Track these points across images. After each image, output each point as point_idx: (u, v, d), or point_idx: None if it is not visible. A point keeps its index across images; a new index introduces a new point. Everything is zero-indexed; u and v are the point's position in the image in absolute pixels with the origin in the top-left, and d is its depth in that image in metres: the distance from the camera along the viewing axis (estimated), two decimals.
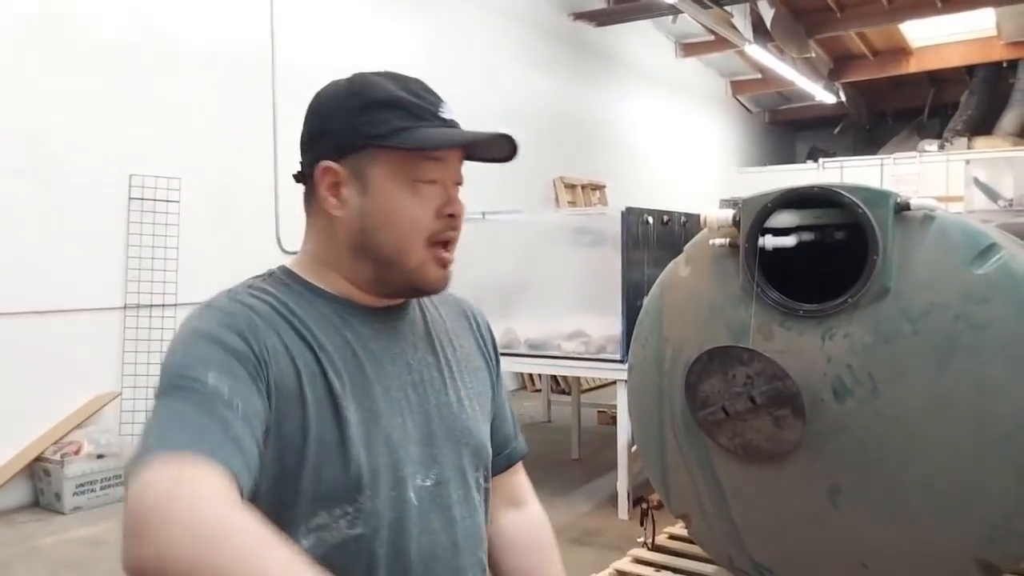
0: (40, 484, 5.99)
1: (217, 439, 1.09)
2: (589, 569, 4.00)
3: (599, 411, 8.38)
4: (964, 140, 15.87)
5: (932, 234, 2.83)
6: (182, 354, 1.19)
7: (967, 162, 12.85)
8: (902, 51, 16.00)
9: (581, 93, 12.42)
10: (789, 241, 3.02)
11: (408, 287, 1.38)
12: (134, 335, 6.58)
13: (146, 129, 6.67)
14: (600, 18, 12.38)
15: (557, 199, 11.54)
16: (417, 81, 1.35)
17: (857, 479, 2.90)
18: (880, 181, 14.20)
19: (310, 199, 1.37)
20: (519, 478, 1.72)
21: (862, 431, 2.87)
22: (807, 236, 3.08)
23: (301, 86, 1.32)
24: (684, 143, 15.73)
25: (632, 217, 5.75)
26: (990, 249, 2.78)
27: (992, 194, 10.32)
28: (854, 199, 2.88)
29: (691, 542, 3.77)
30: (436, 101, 1.34)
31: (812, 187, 3.04)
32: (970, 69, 16.60)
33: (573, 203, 11.67)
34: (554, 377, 8.95)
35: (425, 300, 1.50)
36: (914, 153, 15.46)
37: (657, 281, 3.54)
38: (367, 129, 1.29)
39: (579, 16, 12.20)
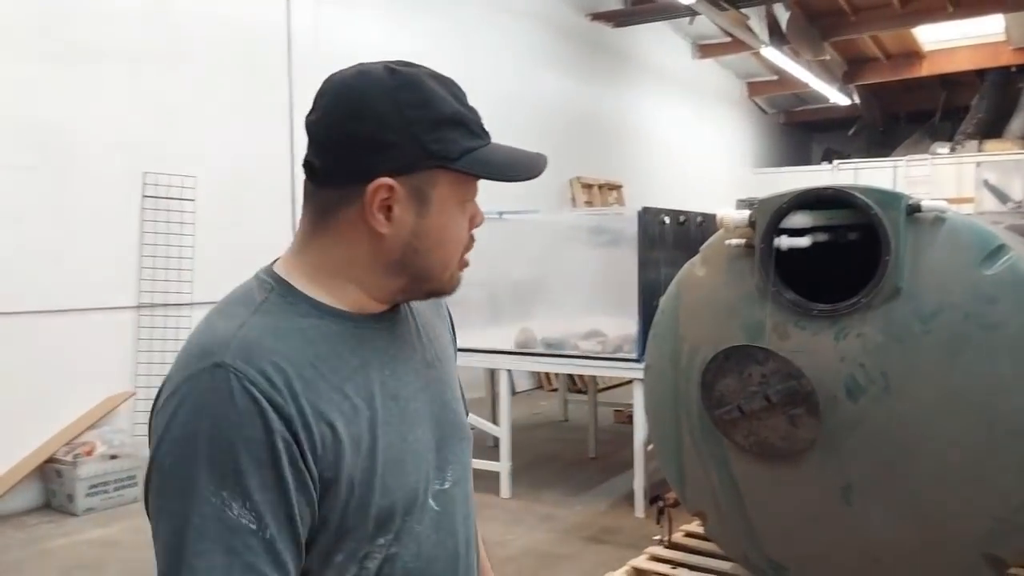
0: (52, 486, 5.95)
1: None
2: (606, 567, 4.06)
3: (615, 410, 8.42)
4: (975, 143, 15.85)
5: (943, 235, 2.89)
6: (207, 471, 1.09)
7: (977, 164, 12.88)
8: (915, 54, 16.01)
9: (598, 93, 12.48)
10: (804, 242, 3.08)
11: (429, 295, 1.34)
12: (148, 334, 6.55)
13: (160, 127, 6.67)
14: (617, 19, 12.43)
15: (574, 199, 11.59)
16: (457, 85, 1.27)
17: (870, 477, 2.96)
18: (893, 183, 14.23)
19: (339, 206, 1.22)
20: None
21: (875, 429, 2.92)
22: (821, 237, 3.13)
23: (318, 80, 1.27)
24: (700, 143, 15.77)
25: (648, 217, 5.79)
26: (999, 250, 2.84)
27: (1002, 196, 10.37)
28: (867, 200, 2.94)
29: (707, 540, 3.81)
30: (476, 111, 1.27)
31: (826, 188, 3.10)
32: (981, 73, 16.58)
33: (590, 203, 11.71)
34: (571, 376, 9.00)
35: None
36: (926, 155, 15.48)
37: (673, 281, 3.60)
38: (437, 149, 1.19)
39: (596, 17, 12.26)
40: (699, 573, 3.72)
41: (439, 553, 1.31)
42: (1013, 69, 15.98)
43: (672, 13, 12.02)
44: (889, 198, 2.95)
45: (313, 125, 1.24)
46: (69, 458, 5.87)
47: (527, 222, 6.69)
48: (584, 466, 7.00)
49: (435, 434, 1.34)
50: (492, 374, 6.80)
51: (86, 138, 6.22)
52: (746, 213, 3.22)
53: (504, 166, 1.25)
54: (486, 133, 1.27)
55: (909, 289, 2.88)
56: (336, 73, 1.25)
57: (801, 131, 21.16)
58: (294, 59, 7.65)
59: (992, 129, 16.28)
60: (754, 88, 17.92)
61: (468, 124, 1.24)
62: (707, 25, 12.91)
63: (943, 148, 15.81)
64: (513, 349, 6.43)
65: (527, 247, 6.66)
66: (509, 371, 6.46)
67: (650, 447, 5.00)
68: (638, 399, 5.44)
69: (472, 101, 1.28)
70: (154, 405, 1.17)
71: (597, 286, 6.35)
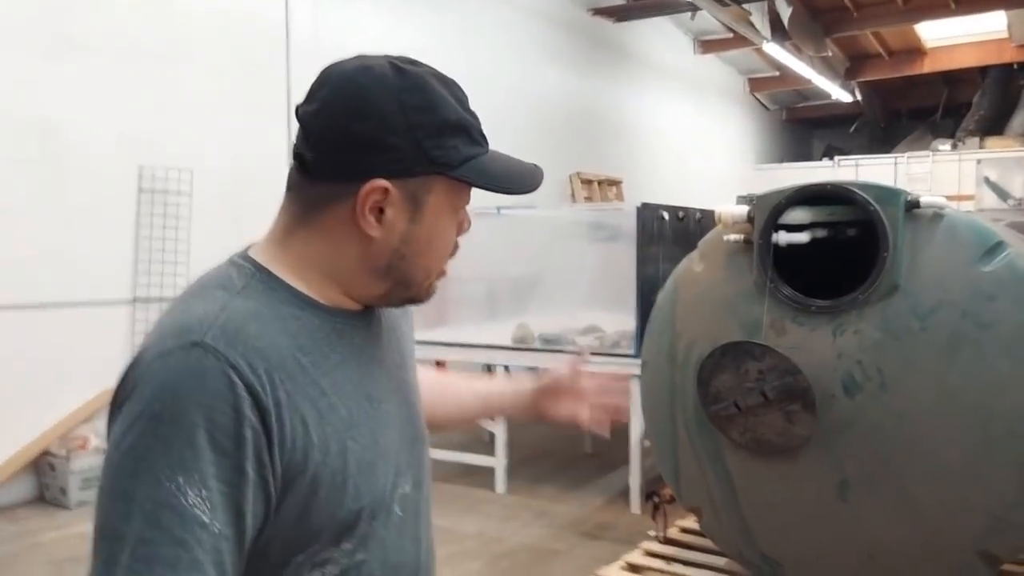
0: (45, 479, 5.94)
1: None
2: (601, 562, 4.05)
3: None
4: (976, 140, 15.86)
5: (941, 232, 2.88)
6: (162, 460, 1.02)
7: (978, 162, 12.86)
8: (917, 51, 15.99)
9: (599, 88, 12.45)
10: (803, 237, 3.07)
11: (406, 302, 1.31)
12: (144, 329, 6.44)
13: (157, 119, 6.63)
14: (619, 14, 12.41)
15: (573, 194, 11.57)
16: (460, 87, 1.24)
17: (865, 473, 2.95)
18: (894, 180, 14.23)
19: (325, 204, 1.19)
20: None
21: (871, 426, 2.91)
22: (820, 233, 3.12)
23: (316, 73, 1.21)
24: (701, 139, 15.74)
25: (647, 213, 5.78)
26: (997, 247, 2.82)
27: (1002, 193, 10.37)
28: (866, 196, 2.92)
29: (702, 535, 3.80)
30: (477, 116, 1.24)
31: (825, 184, 3.09)
32: (983, 70, 16.57)
33: (589, 198, 11.69)
34: None
35: None
36: (927, 152, 15.47)
37: (671, 276, 3.58)
38: (438, 156, 1.16)
39: (598, 12, 12.24)
40: (693, 569, 3.71)
41: (403, 559, 1.28)
42: (1015, 66, 15.96)
43: (673, 8, 12.02)
44: (888, 194, 2.94)
45: (309, 116, 1.20)
46: (63, 452, 5.86)
47: (526, 218, 6.67)
48: (580, 462, 6.99)
49: (401, 436, 1.30)
50: (489, 369, 6.78)
51: (82, 131, 6.19)
52: (744, 209, 3.21)
53: (503, 178, 1.22)
54: (486, 140, 1.24)
55: (907, 286, 2.87)
56: (336, 64, 1.21)
57: (802, 127, 21.15)
58: (292, 54, 7.62)
59: (993, 126, 16.29)
60: (756, 84, 17.90)
61: (470, 131, 1.20)
62: (708, 21, 12.87)
63: (944, 145, 15.81)
64: (510, 344, 6.41)
65: (525, 242, 6.65)
66: (506, 366, 6.45)
67: (646, 443, 4.99)
68: (635, 395, 5.43)
69: (473, 96, 1.25)
70: (119, 383, 1.10)
71: (595, 282, 6.34)
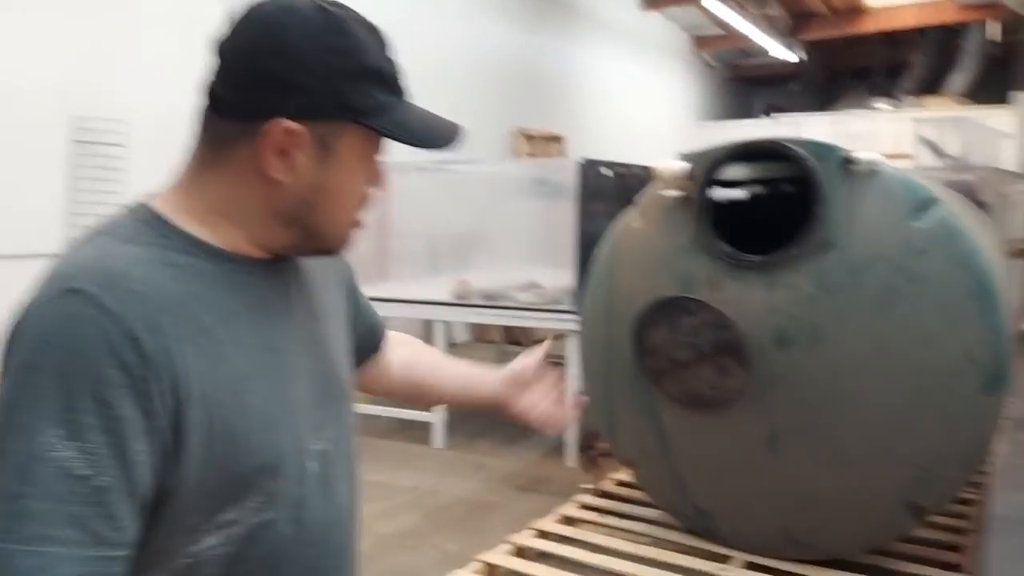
0: None
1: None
2: (537, 515, 4.06)
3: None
4: (914, 99, 16.05)
5: (875, 188, 2.89)
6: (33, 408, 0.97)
7: (916, 120, 13.01)
8: (859, 10, 16.11)
9: (543, 43, 12.36)
10: (739, 194, 3.08)
11: (316, 252, 1.26)
12: None
13: (91, 68, 6.43)
14: None
15: (516, 150, 11.53)
16: (384, 34, 1.20)
17: (796, 425, 2.98)
18: (833, 138, 14.32)
19: (233, 143, 1.14)
20: (389, 342, 1.66)
21: (803, 379, 2.94)
22: (758, 189, 3.13)
23: None
24: (645, 96, 15.76)
25: (589, 169, 5.77)
26: (930, 203, 2.85)
27: (939, 151, 10.50)
28: (801, 152, 2.93)
29: (636, 488, 3.84)
30: (398, 64, 1.20)
31: (761, 141, 3.09)
32: (923, 30, 16.74)
33: (532, 154, 11.67)
34: (508, 328, 9.00)
35: None
36: (865, 110, 15.63)
37: (610, 232, 3.58)
38: (352, 101, 1.12)
39: None
40: (627, 521, 3.74)
41: (319, 517, 1.23)
42: (955, 27, 16.14)
43: None
44: (823, 150, 2.95)
45: (224, 50, 1.16)
46: None
47: (468, 173, 6.63)
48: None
49: (315, 391, 1.25)
50: (429, 325, 6.76)
51: (8, 81, 5.97)
52: (682, 165, 3.20)
53: (420, 131, 1.17)
54: (405, 91, 1.19)
55: (841, 241, 2.88)
56: (261, 2, 1.18)
57: (745, 86, 21.23)
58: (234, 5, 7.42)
59: (932, 86, 16.49)
60: (700, 42, 17.90)
61: (388, 80, 1.17)
62: None
63: (883, 104, 15.97)
64: (450, 300, 6.39)
65: (467, 198, 6.61)
66: (446, 322, 6.44)
67: (583, 397, 5.02)
68: (572, 350, 5.45)
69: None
70: (7, 338, 1.05)
71: (537, 238, 6.34)
